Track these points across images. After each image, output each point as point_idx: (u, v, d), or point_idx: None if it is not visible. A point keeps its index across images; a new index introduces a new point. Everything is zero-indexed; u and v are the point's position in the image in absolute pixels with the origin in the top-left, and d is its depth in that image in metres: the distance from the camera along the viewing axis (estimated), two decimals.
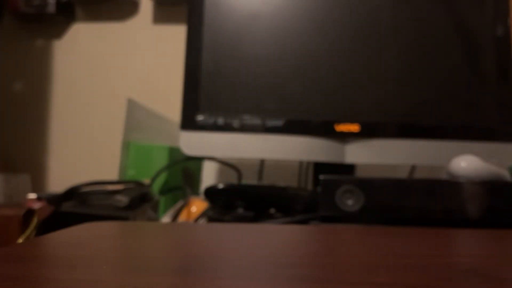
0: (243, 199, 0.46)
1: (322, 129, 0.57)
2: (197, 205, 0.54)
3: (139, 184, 0.52)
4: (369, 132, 0.57)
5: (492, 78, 0.58)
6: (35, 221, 0.36)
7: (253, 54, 0.58)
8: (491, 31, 0.59)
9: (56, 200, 0.41)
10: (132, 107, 0.69)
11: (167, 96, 0.95)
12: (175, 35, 0.97)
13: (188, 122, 0.56)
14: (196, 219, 0.47)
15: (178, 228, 0.28)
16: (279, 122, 0.56)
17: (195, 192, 0.73)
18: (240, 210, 0.46)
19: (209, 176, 0.84)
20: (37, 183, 0.96)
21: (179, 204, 0.56)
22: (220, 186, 0.46)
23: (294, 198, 0.47)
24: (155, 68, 0.97)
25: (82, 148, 0.97)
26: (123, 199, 0.43)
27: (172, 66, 0.96)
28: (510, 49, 0.59)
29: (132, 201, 0.44)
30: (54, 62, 0.99)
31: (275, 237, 0.24)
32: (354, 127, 0.57)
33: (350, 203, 0.37)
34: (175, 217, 0.51)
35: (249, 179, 0.82)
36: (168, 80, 0.96)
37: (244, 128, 0.56)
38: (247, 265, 0.17)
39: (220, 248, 0.21)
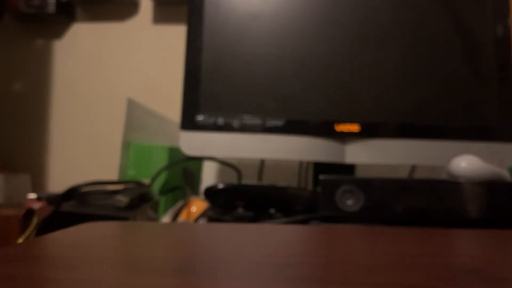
0: (243, 199, 0.46)
1: (322, 129, 0.57)
2: (197, 205, 0.54)
3: (139, 184, 0.52)
4: (369, 132, 0.57)
5: (492, 78, 0.58)
6: (35, 221, 0.36)
7: (253, 54, 0.58)
8: (491, 31, 0.59)
9: (56, 200, 0.41)
10: (132, 107, 0.69)
11: (167, 96, 0.95)
12: (175, 35, 0.97)
13: (188, 122, 0.56)
14: (196, 219, 0.47)
15: (178, 228, 0.28)
16: (279, 122, 0.56)
17: (195, 192, 0.73)
18: (240, 210, 0.46)
19: (209, 176, 0.84)
20: (37, 183, 0.96)
21: (179, 204, 0.56)
22: (220, 186, 0.46)
23: (294, 198, 0.47)
24: (155, 68, 0.97)
25: (82, 148, 0.97)
26: (123, 199, 0.43)
27: (172, 66, 0.96)
28: (510, 49, 0.59)
29: (132, 201, 0.44)
30: (54, 62, 0.99)
31: (275, 237, 0.24)
32: (354, 127, 0.57)
33: (350, 203, 0.37)
34: (175, 217, 0.51)
35: (249, 179, 0.82)
36: (168, 80, 0.96)
37: (244, 128, 0.56)
38: (247, 265, 0.17)
39: (220, 248, 0.21)
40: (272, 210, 0.47)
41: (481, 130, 0.57)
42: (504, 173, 0.40)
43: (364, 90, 0.58)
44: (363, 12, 0.59)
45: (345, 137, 0.57)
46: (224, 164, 0.65)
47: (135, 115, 0.70)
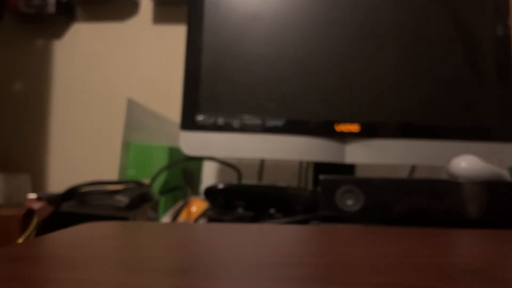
0: (243, 199, 0.46)
1: (322, 129, 0.57)
2: (197, 205, 0.54)
3: (139, 184, 0.52)
4: (369, 132, 0.57)
5: (492, 78, 0.58)
6: (35, 221, 0.36)
7: (253, 54, 0.58)
8: (491, 31, 0.59)
9: (56, 200, 0.41)
10: (132, 107, 0.69)
11: (167, 96, 0.95)
12: (175, 35, 0.97)
13: (188, 122, 0.56)
14: (196, 219, 0.47)
15: (178, 228, 0.28)
16: (279, 122, 0.56)
17: (195, 192, 0.73)
18: (240, 210, 0.46)
19: (209, 176, 0.84)
20: (37, 183, 0.96)
21: (179, 204, 0.56)
22: (220, 186, 0.46)
23: (294, 198, 0.47)
24: (155, 68, 0.97)
25: (82, 148, 0.97)
26: (123, 199, 0.43)
27: (172, 66, 0.96)
28: (510, 49, 0.59)
29: (132, 201, 0.44)
30: (54, 62, 0.99)
31: (275, 237, 0.24)
32: (354, 127, 0.57)
33: (350, 203, 0.37)
34: (175, 217, 0.51)
35: (249, 179, 0.82)
36: (168, 80, 0.96)
37: (244, 128, 0.56)
38: (247, 265, 0.17)
39: (220, 248, 0.21)
40: (272, 210, 0.47)
41: (481, 130, 0.57)
42: (504, 173, 0.40)
43: (364, 90, 0.58)
44: (363, 12, 0.59)
45: (345, 137, 0.57)
46: (224, 164, 0.65)
47: (135, 115, 0.70)
